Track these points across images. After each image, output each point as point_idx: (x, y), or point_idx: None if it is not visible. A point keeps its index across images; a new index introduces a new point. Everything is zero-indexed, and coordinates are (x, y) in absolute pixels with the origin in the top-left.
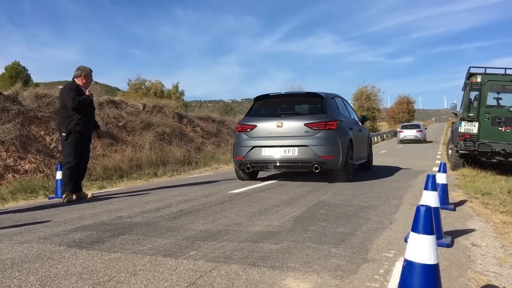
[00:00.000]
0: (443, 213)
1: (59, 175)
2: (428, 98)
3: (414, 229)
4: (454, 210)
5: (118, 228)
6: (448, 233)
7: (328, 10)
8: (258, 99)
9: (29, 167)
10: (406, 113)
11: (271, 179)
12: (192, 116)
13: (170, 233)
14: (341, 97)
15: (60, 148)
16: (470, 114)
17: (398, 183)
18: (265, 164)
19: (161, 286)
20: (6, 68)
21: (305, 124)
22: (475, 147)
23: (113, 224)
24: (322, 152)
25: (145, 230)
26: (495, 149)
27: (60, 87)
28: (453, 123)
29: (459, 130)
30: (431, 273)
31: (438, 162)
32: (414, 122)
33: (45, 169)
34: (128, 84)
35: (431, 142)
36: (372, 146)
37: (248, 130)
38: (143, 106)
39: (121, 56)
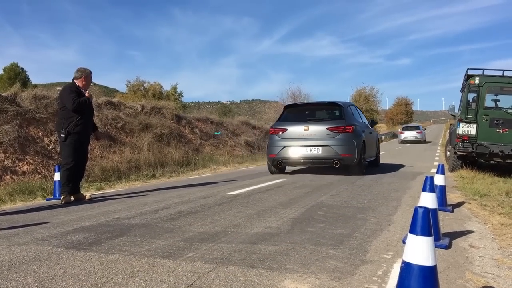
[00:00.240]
0: (441, 215)
1: (57, 176)
2: (426, 100)
3: (412, 230)
4: (452, 211)
5: (116, 230)
6: (446, 234)
7: (327, 12)
8: (288, 107)
9: (27, 168)
10: (405, 114)
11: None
12: (191, 117)
13: (168, 234)
14: (354, 105)
15: (58, 150)
16: (468, 116)
17: (396, 185)
18: (294, 160)
19: None
20: (4, 69)
21: (327, 128)
22: (473, 149)
23: (111, 225)
24: (341, 151)
25: (143, 232)
26: (493, 151)
27: (59, 88)
28: (451, 124)
29: (457, 132)
30: (429, 274)
31: (436, 163)
32: (414, 124)
33: (43, 171)
34: (127, 86)
35: (430, 142)
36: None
37: (280, 132)
38: (142, 108)
39: (120, 57)
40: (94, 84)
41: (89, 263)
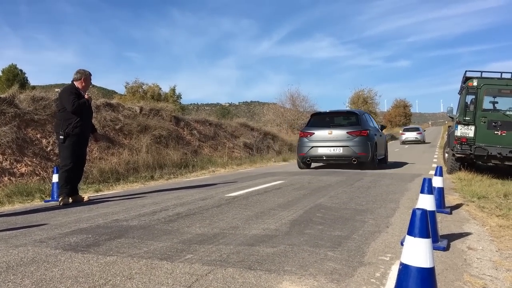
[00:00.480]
0: (439, 217)
1: (55, 178)
2: (424, 102)
3: (410, 232)
4: (450, 213)
5: (114, 232)
6: (444, 236)
7: (326, 14)
8: (314, 115)
9: (25, 170)
10: (403, 116)
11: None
12: (189, 119)
13: (166, 236)
14: (368, 113)
15: (56, 151)
16: (466, 118)
17: (395, 187)
18: (320, 158)
19: None
20: (3, 71)
21: (347, 132)
22: (471, 151)
23: (109, 227)
24: (358, 150)
25: (141, 234)
26: (491, 153)
27: (57, 90)
28: (449, 126)
29: (455, 134)
30: (427, 276)
31: (434, 165)
32: (415, 126)
33: (42, 172)
34: (126, 87)
35: (429, 143)
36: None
37: (308, 135)
38: (140, 109)
39: (118, 59)
40: (93, 86)
41: (87, 265)
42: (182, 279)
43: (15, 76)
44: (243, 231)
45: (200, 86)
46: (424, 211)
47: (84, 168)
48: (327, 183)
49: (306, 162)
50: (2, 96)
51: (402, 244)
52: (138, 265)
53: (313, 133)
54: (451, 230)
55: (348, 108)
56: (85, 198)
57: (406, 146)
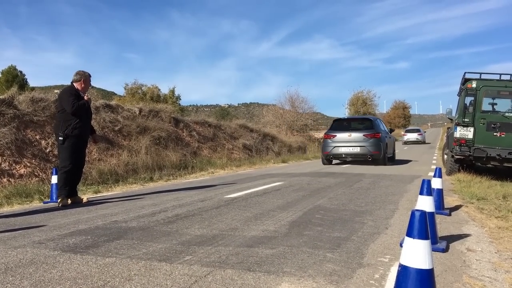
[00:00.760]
0: (439, 218)
1: (54, 179)
2: (423, 103)
3: (409, 234)
4: (450, 215)
5: (113, 233)
6: (444, 238)
7: (325, 15)
8: (336, 120)
9: (24, 171)
10: (402, 118)
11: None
12: (189, 120)
13: (165, 237)
14: (379, 119)
15: (55, 152)
16: (466, 120)
17: (394, 188)
18: (340, 156)
19: None
20: (2, 72)
21: (363, 135)
22: (470, 152)
23: (108, 228)
24: (372, 150)
25: (140, 235)
26: (490, 154)
27: (57, 91)
28: (448, 128)
29: (455, 135)
30: (426, 278)
31: (433, 167)
32: (416, 127)
33: (41, 173)
34: (125, 89)
35: (429, 143)
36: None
37: (331, 137)
38: (139, 111)
39: (118, 60)
40: (92, 87)
41: (86, 266)
42: (181, 281)
43: (15, 77)
44: (242, 233)
45: (200, 87)
46: (423, 213)
47: (83, 170)
48: (326, 184)
49: (329, 159)
50: (1, 97)
51: (401, 246)
52: (137, 266)
53: (335, 135)
54: (450, 232)
55: (364, 115)
56: (84, 200)
57: (406, 147)
